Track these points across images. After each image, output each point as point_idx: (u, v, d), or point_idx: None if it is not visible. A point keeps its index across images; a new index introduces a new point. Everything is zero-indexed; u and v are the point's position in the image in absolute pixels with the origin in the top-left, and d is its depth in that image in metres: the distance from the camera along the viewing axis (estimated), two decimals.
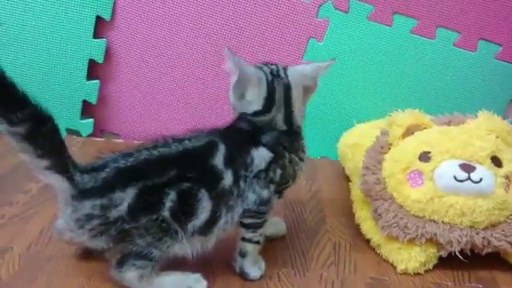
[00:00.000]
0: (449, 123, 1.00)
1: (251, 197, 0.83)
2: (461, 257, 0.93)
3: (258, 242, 0.89)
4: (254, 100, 0.85)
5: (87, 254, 0.91)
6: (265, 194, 0.85)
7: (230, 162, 0.81)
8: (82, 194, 0.75)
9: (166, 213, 0.76)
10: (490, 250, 0.94)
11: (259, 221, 0.86)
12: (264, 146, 0.85)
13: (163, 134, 0.84)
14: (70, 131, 1.44)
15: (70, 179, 0.75)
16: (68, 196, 0.76)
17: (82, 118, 1.43)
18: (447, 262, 0.97)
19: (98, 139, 1.44)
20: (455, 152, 0.94)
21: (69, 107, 1.42)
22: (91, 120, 1.44)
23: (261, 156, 0.84)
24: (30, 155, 0.72)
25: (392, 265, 0.97)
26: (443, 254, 0.95)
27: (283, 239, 1.03)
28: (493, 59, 1.37)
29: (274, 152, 0.85)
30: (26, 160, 0.74)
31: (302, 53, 1.38)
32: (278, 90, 0.86)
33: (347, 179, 1.27)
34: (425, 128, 0.99)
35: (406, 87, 1.41)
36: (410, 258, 0.94)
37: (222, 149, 0.82)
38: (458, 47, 1.36)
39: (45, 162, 0.73)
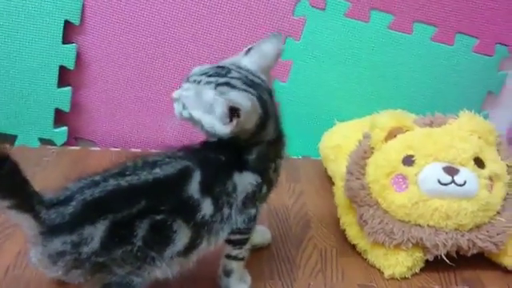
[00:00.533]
0: (431, 124, 0.99)
1: (240, 218, 0.80)
2: (447, 260, 0.94)
3: (242, 259, 0.87)
4: (251, 124, 0.77)
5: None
6: (253, 212, 0.82)
7: (207, 190, 0.76)
8: (50, 231, 0.71)
9: (139, 243, 0.72)
10: (475, 251, 0.95)
11: (246, 236, 0.84)
12: (250, 169, 0.80)
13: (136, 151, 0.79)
14: (44, 141, 1.40)
15: (37, 217, 0.70)
16: (36, 234, 0.71)
17: (55, 127, 1.39)
18: (433, 265, 0.97)
19: (73, 148, 1.40)
20: (438, 155, 0.93)
21: (41, 116, 1.37)
22: (65, 128, 1.40)
23: (246, 181, 0.79)
24: None
25: (379, 270, 0.97)
26: (429, 257, 0.95)
27: (269, 248, 1.02)
28: (470, 52, 1.36)
29: (261, 174, 0.80)
30: None
31: None
32: (267, 100, 0.79)
33: (330, 180, 1.26)
34: (407, 130, 0.98)
35: (385, 83, 1.39)
36: (397, 263, 0.94)
37: (196, 176, 0.75)
38: (435, 41, 1.35)
39: (7, 203, 0.68)
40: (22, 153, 1.33)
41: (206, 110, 0.77)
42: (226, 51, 1.34)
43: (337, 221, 1.08)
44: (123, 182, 0.73)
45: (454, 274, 0.97)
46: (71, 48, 1.32)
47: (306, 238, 1.06)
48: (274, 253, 1.01)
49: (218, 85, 0.77)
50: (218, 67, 0.80)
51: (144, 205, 0.72)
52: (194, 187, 0.75)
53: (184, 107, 0.79)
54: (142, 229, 0.72)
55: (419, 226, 0.93)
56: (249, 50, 0.83)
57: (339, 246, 1.04)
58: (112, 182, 0.73)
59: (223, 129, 0.76)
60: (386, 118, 0.98)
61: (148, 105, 1.40)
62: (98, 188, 0.73)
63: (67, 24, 1.31)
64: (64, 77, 1.35)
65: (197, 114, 0.78)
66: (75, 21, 1.31)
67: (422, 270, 0.97)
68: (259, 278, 0.93)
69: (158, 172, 0.75)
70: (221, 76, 0.78)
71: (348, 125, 1.29)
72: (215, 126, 0.76)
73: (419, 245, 0.94)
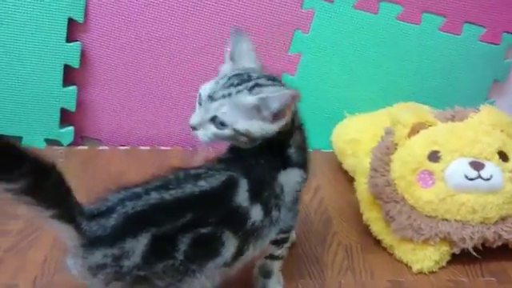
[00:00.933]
0: (452, 119, 1.00)
1: (287, 216, 0.80)
2: (474, 253, 0.95)
3: (282, 258, 0.87)
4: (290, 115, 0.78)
5: None
6: (297, 208, 0.83)
7: (256, 197, 0.75)
8: (91, 243, 0.69)
9: (181, 257, 0.71)
10: (500, 243, 0.97)
11: (288, 234, 0.85)
12: (293, 165, 0.80)
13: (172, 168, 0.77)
14: (50, 141, 1.37)
15: (78, 228, 0.69)
16: (77, 245, 0.70)
17: (61, 127, 1.36)
18: (459, 258, 0.98)
19: (81, 148, 1.38)
20: (464, 150, 0.94)
21: (47, 117, 1.34)
22: (71, 128, 1.37)
23: (292, 180, 0.80)
24: (32, 207, 0.65)
25: (406, 265, 0.98)
26: (456, 251, 0.96)
27: (295, 246, 1.02)
28: (477, 41, 1.37)
29: (303, 167, 0.82)
30: (27, 210, 0.66)
31: (288, 45, 1.34)
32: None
33: (345, 173, 1.26)
34: (430, 125, 0.98)
35: (393, 74, 1.40)
36: (425, 257, 0.95)
37: (243, 184, 0.75)
38: (443, 31, 1.36)
39: (50, 212, 0.66)
40: None
41: (251, 117, 0.76)
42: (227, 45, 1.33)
43: (357, 215, 1.09)
44: (167, 196, 0.72)
45: (479, 266, 0.99)
46: (75, 46, 1.30)
47: (330, 234, 1.06)
48: (301, 251, 1.01)
49: (250, 89, 0.77)
50: (237, 75, 0.79)
51: (189, 218, 0.71)
52: (242, 196, 0.75)
53: (223, 126, 0.77)
54: (184, 243, 0.71)
55: (446, 220, 0.95)
56: (232, 56, 0.83)
57: (363, 241, 1.04)
58: (155, 196, 0.72)
59: (272, 127, 0.76)
60: (409, 114, 0.98)
61: (155, 101, 1.38)
62: (139, 201, 0.71)
63: (71, 22, 1.27)
64: (69, 76, 1.32)
65: (242, 124, 0.76)
66: (79, 18, 1.28)
67: (448, 263, 0.99)
68: (290, 278, 0.93)
69: (203, 184, 0.74)
70: (246, 81, 0.78)
71: (360, 118, 1.29)
72: (264, 128, 0.76)
73: (446, 239, 0.95)
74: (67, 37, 1.28)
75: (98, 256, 0.69)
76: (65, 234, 0.70)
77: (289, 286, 0.91)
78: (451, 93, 1.42)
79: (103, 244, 0.69)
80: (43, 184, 0.64)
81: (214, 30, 1.32)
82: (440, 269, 0.97)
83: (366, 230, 1.06)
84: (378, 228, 1.02)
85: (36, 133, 1.36)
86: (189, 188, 0.73)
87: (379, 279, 0.95)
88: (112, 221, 0.70)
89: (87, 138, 1.42)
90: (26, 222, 1.05)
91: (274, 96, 0.74)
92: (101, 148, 1.39)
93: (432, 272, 0.97)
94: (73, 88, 1.33)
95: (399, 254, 0.98)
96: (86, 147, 1.39)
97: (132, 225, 0.70)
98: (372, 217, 1.03)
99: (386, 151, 0.99)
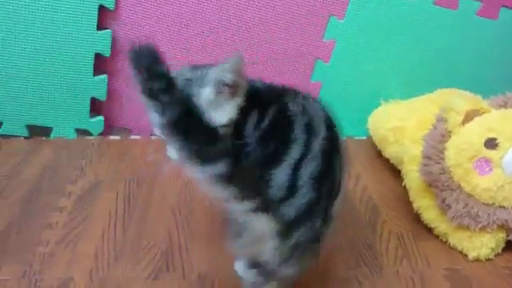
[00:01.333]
0: (505, 105, 0.98)
1: None
2: None
3: None
4: None
5: (157, 275, 0.88)
6: None
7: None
8: (288, 227, 0.66)
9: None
10: None
11: None
12: None
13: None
14: (80, 131, 1.35)
15: (275, 215, 0.65)
16: (272, 233, 0.66)
17: (91, 117, 1.34)
18: (510, 244, 0.98)
19: (114, 138, 1.36)
20: None
21: (77, 106, 1.32)
22: (101, 118, 1.35)
23: None
24: (232, 199, 0.62)
25: (461, 253, 0.98)
26: None
27: (346, 235, 1.01)
28: None
29: None
30: (226, 205, 0.64)
31: (323, 32, 1.32)
32: None
33: (383, 161, 1.25)
34: (484, 113, 0.97)
35: (429, 60, 1.38)
36: (482, 245, 0.95)
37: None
38: (480, 16, 1.34)
39: (250, 205, 0.63)
40: (61, 145, 1.29)
41: (221, 105, 0.71)
42: (261, 31, 1.30)
43: (404, 203, 1.08)
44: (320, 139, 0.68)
45: None
46: (106, 34, 1.26)
47: (379, 223, 1.06)
48: (353, 240, 1.00)
49: (200, 85, 0.72)
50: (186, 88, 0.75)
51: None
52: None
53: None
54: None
55: (503, 207, 0.94)
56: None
57: (414, 229, 1.04)
58: (317, 145, 0.67)
59: (239, 99, 0.72)
60: (462, 102, 0.97)
61: None
62: (313, 162, 0.66)
63: (101, 9, 1.24)
64: (100, 64, 1.30)
65: (223, 116, 0.71)
66: (110, 5, 1.24)
67: (503, 250, 0.98)
68: (347, 267, 0.93)
69: (316, 107, 0.73)
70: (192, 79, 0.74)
71: (399, 105, 1.28)
72: (235, 104, 0.71)
73: (504, 226, 0.95)
74: (98, 24, 1.25)
75: (294, 236, 0.67)
76: (262, 225, 0.66)
77: (346, 275, 0.91)
78: (487, 78, 1.41)
79: (299, 224, 0.67)
80: (239, 168, 0.60)
81: (248, 17, 1.29)
82: (495, 256, 0.97)
83: (415, 218, 1.05)
84: (430, 216, 1.01)
85: (66, 122, 1.33)
86: (316, 139, 0.69)
87: (436, 267, 0.94)
88: (303, 198, 0.66)
89: (116, 128, 1.39)
90: (69, 215, 1.03)
91: (224, 70, 0.70)
92: (133, 138, 1.36)
93: (488, 259, 0.96)
94: (103, 77, 1.31)
95: (454, 241, 0.98)
96: (118, 137, 1.36)
97: (320, 191, 0.68)
98: (424, 205, 1.02)
99: (440, 139, 0.98)
